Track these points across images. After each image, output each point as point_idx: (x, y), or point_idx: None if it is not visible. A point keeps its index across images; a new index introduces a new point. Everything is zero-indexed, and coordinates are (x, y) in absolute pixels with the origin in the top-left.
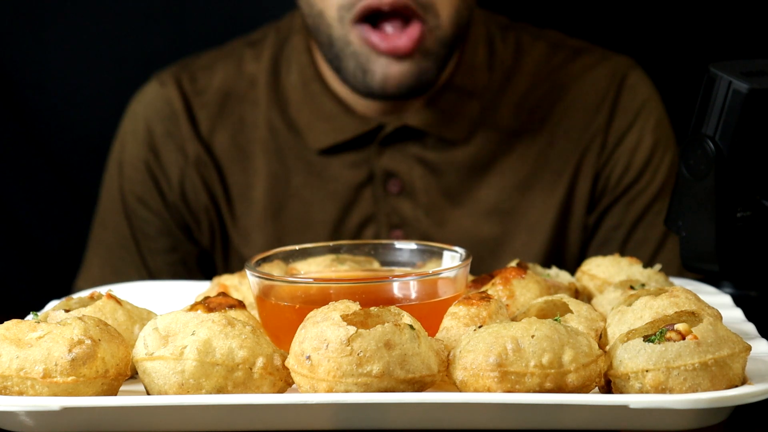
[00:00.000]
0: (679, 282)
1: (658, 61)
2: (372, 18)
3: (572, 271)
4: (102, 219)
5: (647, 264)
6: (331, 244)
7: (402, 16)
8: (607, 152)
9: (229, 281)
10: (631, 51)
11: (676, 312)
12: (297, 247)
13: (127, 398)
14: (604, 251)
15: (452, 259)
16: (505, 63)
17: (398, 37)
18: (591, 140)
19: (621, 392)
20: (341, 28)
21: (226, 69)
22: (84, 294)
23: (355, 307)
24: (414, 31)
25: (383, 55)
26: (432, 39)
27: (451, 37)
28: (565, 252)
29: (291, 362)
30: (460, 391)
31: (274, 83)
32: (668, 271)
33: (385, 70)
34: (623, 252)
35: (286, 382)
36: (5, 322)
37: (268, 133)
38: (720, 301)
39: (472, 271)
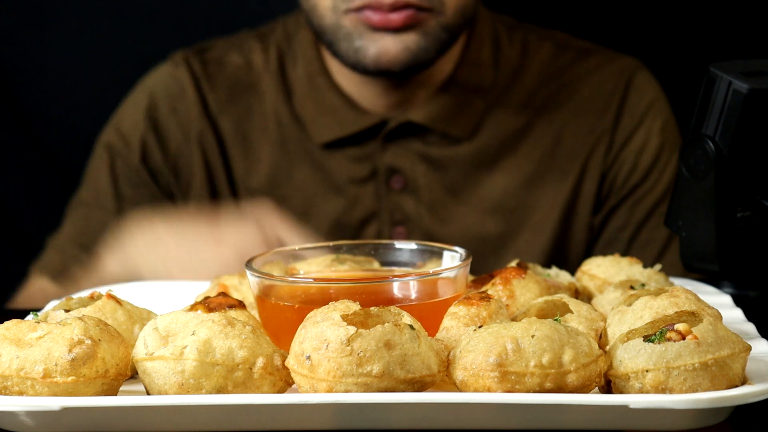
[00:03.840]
0: (679, 282)
1: (664, 62)
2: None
3: (576, 272)
4: (85, 194)
5: (653, 265)
6: (331, 244)
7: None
8: (614, 153)
9: (229, 281)
10: (638, 52)
11: (676, 312)
12: (297, 247)
13: (127, 398)
14: (609, 252)
15: (452, 259)
16: (512, 62)
17: (392, 13)
18: (597, 141)
19: (621, 392)
20: (333, 16)
21: (235, 58)
22: (84, 294)
23: (355, 307)
24: (410, 11)
25: (377, 31)
26: (434, 22)
27: (454, 24)
28: (568, 252)
29: (291, 362)
30: (460, 391)
31: (281, 76)
32: (673, 273)
33: (379, 45)
34: (628, 253)
35: (286, 382)
36: (5, 322)
37: (275, 124)
38: (720, 301)
39: (474, 269)
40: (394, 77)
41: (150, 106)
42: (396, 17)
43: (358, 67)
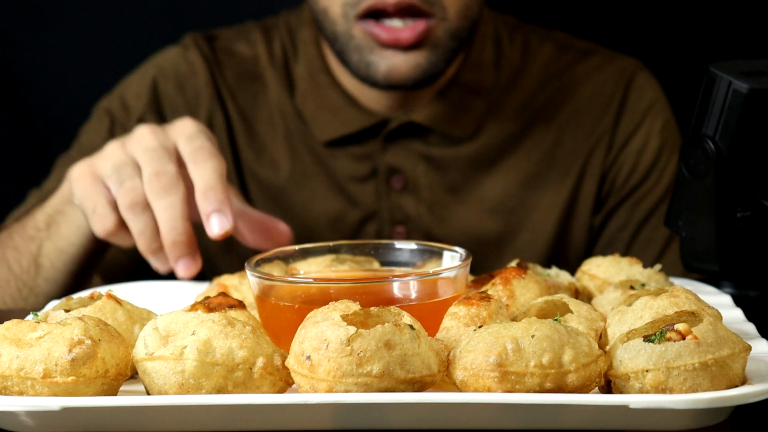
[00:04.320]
0: (679, 282)
1: (664, 62)
2: (376, 15)
3: (576, 272)
4: (76, 155)
5: (653, 265)
6: (331, 244)
7: (408, 13)
8: (614, 153)
9: (229, 281)
10: (638, 52)
11: (676, 312)
12: (297, 247)
13: (127, 398)
14: (609, 252)
15: (452, 259)
16: (513, 63)
17: (401, 30)
18: (598, 141)
19: (621, 392)
20: (345, 24)
21: (243, 48)
22: (84, 294)
23: (355, 307)
24: (419, 25)
25: (387, 48)
26: (440, 30)
27: (460, 30)
28: (568, 252)
29: (291, 362)
30: (460, 391)
31: (285, 70)
32: (673, 273)
33: (390, 63)
34: (628, 253)
35: (286, 382)
36: (5, 322)
37: (279, 117)
38: (720, 301)
39: (473, 269)
40: (404, 90)
41: (156, 80)
42: (406, 36)
43: (368, 81)
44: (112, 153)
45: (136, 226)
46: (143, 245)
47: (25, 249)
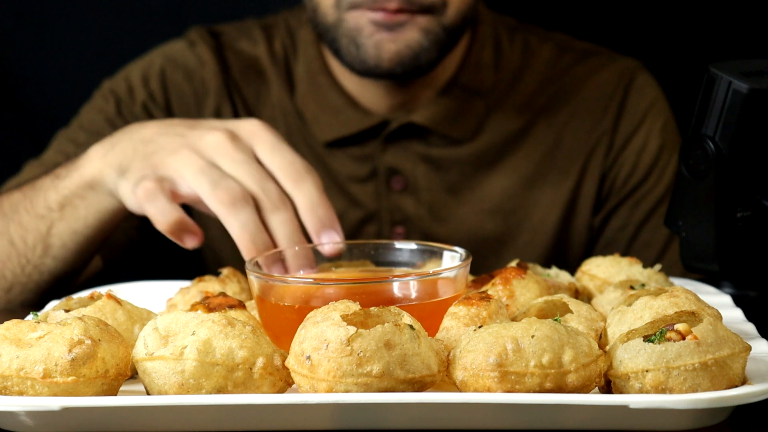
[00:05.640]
0: (679, 282)
1: (664, 62)
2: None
3: (576, 272)
4: (76, 132)
5: (653, 265)
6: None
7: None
8: (614, 154)
9: (210, 287)
10: (638, 53)
11: (676, 312)
12: (297, 248)
13: (127, 398)
14: (609, 252)
15: (452, 259)
16: (513, 64)
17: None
18: (598, 141)
19: (621, 392)
20: (335, 14)
21: (246, 46)
22: (84, 294)
23: (355, 307)
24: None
25: (378, 31)
26: (434, 22)
27: (454, 25)
28: (568, 252)
29: (291, 362)
30: (460, 391)
31: (285, 69)
32: (673, 273)
33: (378, 41)
34: (628, 253)
35: (286, 382)
36: (5, 322)
37: (280, 116)
38: (720, 301)
39: (474, 270)
40: (396, 79)
41: (164, 68)
42: (394, 4)
43: (358, 66)
44: (187, 160)
45: (237, 220)
46: (246, 239)
47: (32, 227)
